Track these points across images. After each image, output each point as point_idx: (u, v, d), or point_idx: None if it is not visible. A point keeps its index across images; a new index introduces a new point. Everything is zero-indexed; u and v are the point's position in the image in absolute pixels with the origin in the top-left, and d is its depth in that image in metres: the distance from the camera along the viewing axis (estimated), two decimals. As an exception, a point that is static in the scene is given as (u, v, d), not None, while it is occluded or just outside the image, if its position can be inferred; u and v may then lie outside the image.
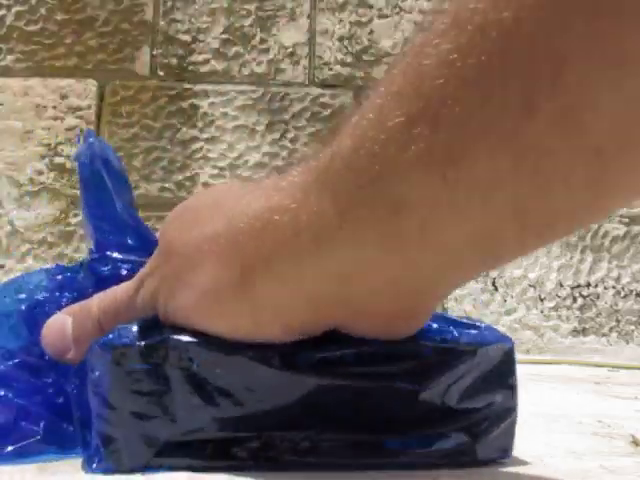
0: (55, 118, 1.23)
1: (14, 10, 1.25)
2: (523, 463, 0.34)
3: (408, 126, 0.25)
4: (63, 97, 1.24)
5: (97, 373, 0.30)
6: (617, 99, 0.22)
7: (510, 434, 0.33)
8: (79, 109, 1.23)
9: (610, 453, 0.38)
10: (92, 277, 0.36)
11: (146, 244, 0.36)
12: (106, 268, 0.36)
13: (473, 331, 0.33)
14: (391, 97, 0.26)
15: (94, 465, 0.30)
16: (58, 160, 1.23)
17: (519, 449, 0.34)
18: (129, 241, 0.37)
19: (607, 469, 0.34)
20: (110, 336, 0.30)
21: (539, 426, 0.44)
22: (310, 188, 0.28)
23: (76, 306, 0.34)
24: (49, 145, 1.23)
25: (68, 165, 1.23)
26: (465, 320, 0.34)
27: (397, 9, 1.26)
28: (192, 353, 0.30)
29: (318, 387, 0.30)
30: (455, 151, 0.24)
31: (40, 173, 1.22)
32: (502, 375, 0.33)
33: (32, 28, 1.25)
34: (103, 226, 0.37)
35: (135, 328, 0.31)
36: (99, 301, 0.33)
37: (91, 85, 1.24)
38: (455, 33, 0.24)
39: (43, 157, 1.22)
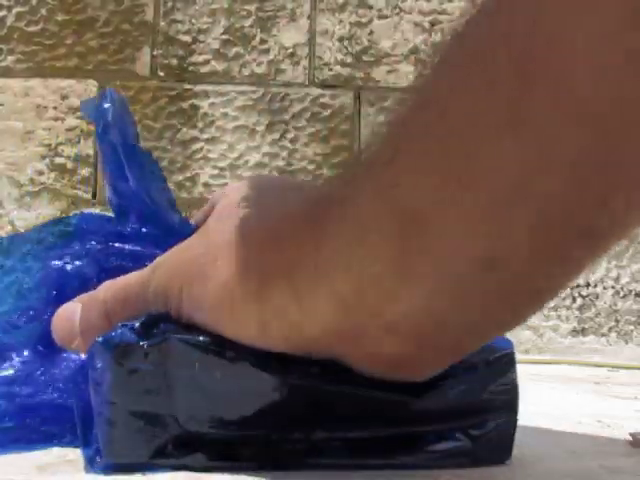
0: (56, 119, 1.24)
1: (15, 11, 1.25)
2: (523, 463, 0.34)
3: (425, 128, 0.25)
4: (64, 98, 1.24)
5: (99, 371, 0.30)
6: (615, 55, 0.22)
7: (510, 436, 0.33)
8: (80, 110, 1.23)
9: (610, 453, 0.38)
10: (96, 268, 0.36)
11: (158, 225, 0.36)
12: (111, 259, 0.36)
13: None
14: (412, 103, 0.26)
15: (95, 464, 0.30)
16: (59, 160, 1.23)
17: (519, 449, 0.34)
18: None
19: (607, 469, 0.34)
20: (112, 334, 0.30)
21: (539, 426, 0.44)
22: (334, 200, 0.28)
23: (86, 295, 0.34)
24: (49, 145, 1.23)
25: (69, 165, 1.23)
26: None
27: (397, 10, 1.26)
28: (194, 355, 0.30)
29: (318, 391, 0.30)
30: (466, 144, 0.24)
31: (41, 173, 1.22)
32: (503, 378, 0.33)
33: (33, 29, 1.25)
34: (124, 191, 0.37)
35: (138, 326, 0.31)
36: (106, 289, 0.33)
37: (92, 86, 1.25)
38: (461, 22, 0.25)
39: (44, 157, 1.23)
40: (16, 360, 0.35)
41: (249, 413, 0.30)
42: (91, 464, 0.30)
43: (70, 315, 0.33)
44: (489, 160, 0.24)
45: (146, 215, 0.37)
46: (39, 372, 0.35)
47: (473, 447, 0.32)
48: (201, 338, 0.30)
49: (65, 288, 0.35)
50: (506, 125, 0.23)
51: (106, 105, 0.37)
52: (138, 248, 0.36)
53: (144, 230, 0.36)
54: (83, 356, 0.33)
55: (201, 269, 0.30)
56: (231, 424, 0.30)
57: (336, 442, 0.31)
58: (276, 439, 0.30)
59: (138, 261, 0.35)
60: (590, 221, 0.25)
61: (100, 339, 0.30)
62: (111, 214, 0.38)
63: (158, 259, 0.33)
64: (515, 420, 0.33)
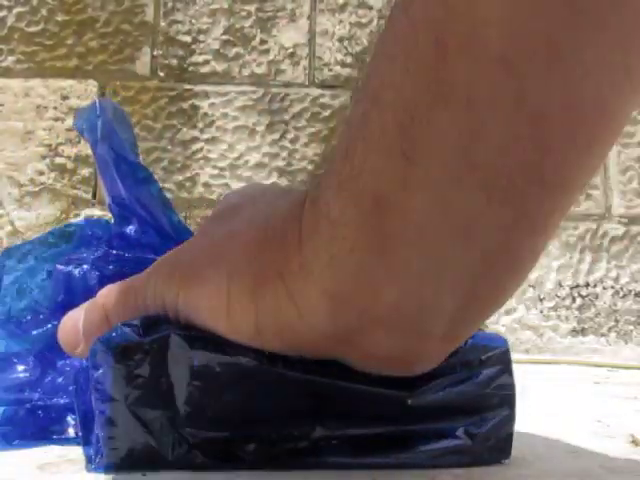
0: (56, 119, 1.24)
1: (15, 11, 1.25)
2: (523, 463, 0.34)
3: (363, 114, 0.26)
4: (64, 98, 1.24)
5: (99, 371, 0.30)
6: (510, 10, 0.23)
7: (509, 434, 0.34)
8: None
9: (610, 453, 0.38)
10: (98, 274, 0.36)
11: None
12: (111, 266, 0.36)
13: None
14: (354, 99, 0.28)
15: (96, 463, 0.30)
16: (59, 160, 1.23)
17: (519, 449, 0.34)
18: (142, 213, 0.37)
19: (607, 469, 0.34)
20: (113, 334, 0.31)
21: (539, 426, 0.44)
22: (309, 199, 0.28)
23: (88, 301, 0.34)
24: (50, 145, 1.23)
25: (69, 165, 1.23)
26: None
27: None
28: (193, 350, 0.30)
29: (319, 387, 0.30)
30: (403, 124, 0.25)
31: (41, 173, 1.22)
32: (498, 376, 0.33)
33: (33, 29, 1.25)
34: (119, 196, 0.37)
35: (138, 325, 0.31)
36: (106, 294, 0.33)
37: (92, 86, 1.25)
38: (385, 20, 0.26)
39: (44, 157, 1.23)
40: (25, 366, 0.36)
41: (249, 410, 0.30)
42: (92, 463, 0.30)
43: (74, 322, 0.33)
44: (429, 135, 0.25)
45: (143, 223, 0.37)
46: (48, 378, 0.35)
47: (471, 445, 0.32)
48: (201, 336, 0.30)
49: (71, 293, 0.35)
50: (435, 100, 0.24)
51: (95, 120, 0.38)
52: (138, 255, 0.36)
53: (143, 235, 0.37)
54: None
55: (197, 272, 0.31)
56: (231, 422, 0.30)
57: (336, 440, 0.31)
58: (276, 437, 0.30)
59: (137, 266, 0.35)
60: (539, 170, 0.25)
61: (101, 339, 0.30)
62: (112, 219, 0.39)
63: (155, 263, 0.33)
64: (513, 418, 0.34)
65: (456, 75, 0.24)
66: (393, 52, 0.25)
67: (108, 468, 0.30)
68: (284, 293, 0.28)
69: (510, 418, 0.33)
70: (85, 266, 0.36)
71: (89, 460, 0.31)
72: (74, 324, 0.33)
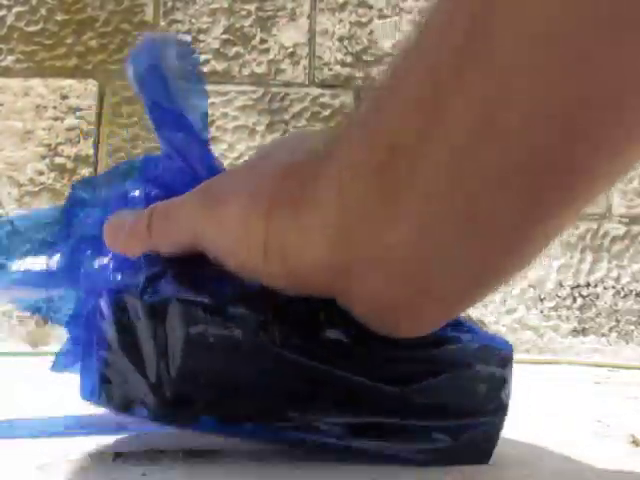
0: (55, 118, 1.24)
1: (14, 10, 1.25)
2: (522, 463, 0.34)
3: (394, 73, 0.28)
4: (63, 97, 1.24)
5: (104, 320, 0.31)
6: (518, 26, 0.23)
7: (494, 438, 0.33)
8: (79, 109, 1.23)
9: (610, 453, 0.38)
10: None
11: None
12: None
13: (469, 335, 0.33)
14: (390, 69, 0.28)
15: (91, 397, 0.31)
16: (58, 160, 1.23)
17: (518, 449, 0.34)
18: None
19: (607, 469, 0.34)
20: (119, 288, 0.31)
21: (538, 426, 0.44)
22: (334, 139, 0.30)
23: (136, 208, 0.36)
24: (49, 145, 1.23)
25: (69, 165, 1.23)
26: (463, 322, 0.34)
27: (397, 9, 1.26)
28: (191, 320, 0.30)
29: (315, 371, 0.30)
30: (432, 81, 0.25)
31: (40, 173, 1.22)
32: (497, 379, 0.33)
33: (32, 28, 1.25)
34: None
35: (142, 279, 0.31)
36: (153, 206, 0.35)
37: (91, 85, 1.25)
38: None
39: (43, 157, 1.23)
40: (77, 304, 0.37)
41: (243, 381, 0.30)
42: (85, 394, 0.32)
43: (122, 220, 0.35)
44: (455, 96, 0.25)
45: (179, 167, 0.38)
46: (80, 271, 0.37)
47: (457, 446, 0.32)
48: (200, 299, 0.30)
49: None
50: (466, 57, 0.24)
51: (139, 62, 0.39)
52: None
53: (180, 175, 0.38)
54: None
55: (222, 195, 0.32)
56: (226, 395, 0.30)
57: (327, 426, 0.31)
58: (270, 410, 0.30)
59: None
60: (556, 157, 0.24)
61: (108, 290, 0.31)
62: None
63: (191, 191, 0.35)
64: (502, 422, 0.33)
65: (495, 40, 0.23)
66: (438, 17, 0.26)
67: (99, 403, 0.32)
68: (293, 217, 0.30)
69: (500, 422, 0.33)
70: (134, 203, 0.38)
71: (82, 392, 0.32)
72: (121, 222, 0.35)
